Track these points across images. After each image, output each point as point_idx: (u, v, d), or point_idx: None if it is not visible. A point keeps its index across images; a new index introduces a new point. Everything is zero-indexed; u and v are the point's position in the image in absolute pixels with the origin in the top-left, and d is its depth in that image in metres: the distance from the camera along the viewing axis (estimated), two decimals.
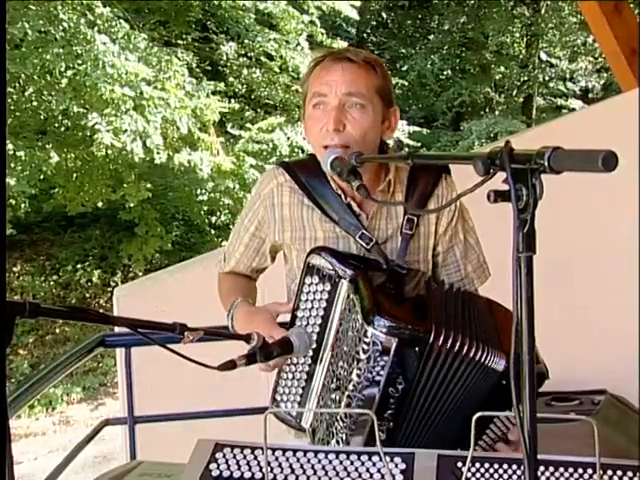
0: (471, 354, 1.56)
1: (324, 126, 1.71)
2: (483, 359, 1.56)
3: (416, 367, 1.56)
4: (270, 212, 1.85)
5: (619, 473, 1.37)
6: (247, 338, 1.55)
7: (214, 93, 10.41)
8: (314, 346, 1.70)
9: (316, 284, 1.70)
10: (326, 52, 1.81)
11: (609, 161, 0.86)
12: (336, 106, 1.69)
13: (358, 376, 1.58)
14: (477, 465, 1.40)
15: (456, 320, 1.61)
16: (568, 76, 16.65)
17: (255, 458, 1.43)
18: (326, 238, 1.81)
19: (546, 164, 0.94)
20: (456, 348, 1.55)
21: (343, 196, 1.79)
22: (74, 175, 10.32)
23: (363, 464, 1.42)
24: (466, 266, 1.91)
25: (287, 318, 1.78)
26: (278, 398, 1.79)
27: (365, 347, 1.56)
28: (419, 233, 1.82)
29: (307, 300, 1.72)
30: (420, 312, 1.64)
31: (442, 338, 1.54)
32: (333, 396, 1.65)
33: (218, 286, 2.05)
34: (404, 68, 15.47)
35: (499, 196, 0.97)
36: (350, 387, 1.60)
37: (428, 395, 1.59)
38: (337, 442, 1.63)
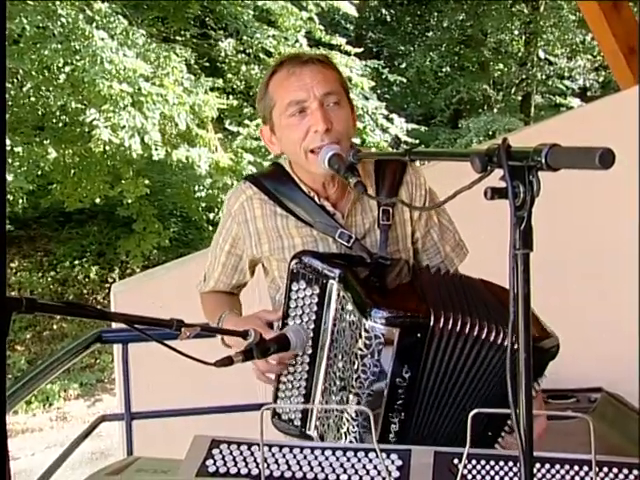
0: (475, 333, 1.56)
1: (310, 129, 1.68)
2: (490, 337, 1.56)
3: (420, 353, 1.56)
4: (244, 228, 1.83)
5: (615, 470, 1.37)
6: (244, 334, 1.55)
7: (212, 89, 10.40)
8: (310, 352, 1.70)
9: (304, 289, 1.69)
10: (279, 60, 1.78)
11: (606, 158, 0.86)
12: (318, 107, 1.67)
13: (364, 372, 1.57)
14: (473, 462, 1.41)
15: (453, 301, 1.62)
16: (567, 74, 16.65)
17: (252, 454, 1.44)
18: (304, 243, 1.80)
19: (543, 161, 0.94)
20: (458, 328, 1.56)
21: (317, 197, 1.79)
22: (72, 171, 10.31)
23: (359, 460, 1.42)
24: (445, 247, 1.93)
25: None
26: (279, 411, 1.79)
27: (367, 342, 1.55)
28: (395, 222, 1.83)
29: (297, 307, 1.70)
30: (414, 299, 1.65)
31: (442, 320, 1.55)
32: (339, 397, 1.64)
33: (202, 306, 2.04)
34: (403, 65, 15.47)
35: (496, 193, 0.97)
36: (356, 384, 1.59)
37: (436, 380, 1.59)
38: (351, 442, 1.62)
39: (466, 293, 1.68)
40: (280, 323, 1.74)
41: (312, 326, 1.69)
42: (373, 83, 11.48)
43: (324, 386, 1.70)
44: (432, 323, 1.55)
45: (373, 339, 1.55)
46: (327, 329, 1.68)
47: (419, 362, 1.56)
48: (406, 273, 1.78)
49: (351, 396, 1.61)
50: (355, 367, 1.59)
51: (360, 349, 1.57)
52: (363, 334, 1.56)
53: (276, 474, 1.39)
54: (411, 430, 1.61)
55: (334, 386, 1.67)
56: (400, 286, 1.75)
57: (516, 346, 0.98)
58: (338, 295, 1.65)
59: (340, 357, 1.65)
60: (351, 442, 1.62)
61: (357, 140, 10.22)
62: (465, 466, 1.39)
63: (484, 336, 1.56)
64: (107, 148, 9.13)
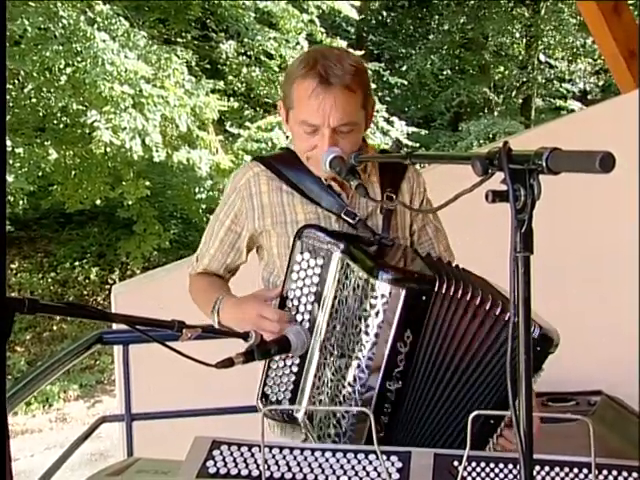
0: (477, 302, 1.56)
1: (316, 148, 1.72)
2: (493, 310, 1.56)
3: (423, 318, 1.56)
4: (248, 201, 1.84)
5: (614, 473, 1.37)
6: (245, 336, 1.56)
7: (213, 91, 10.41)
8: (307, 326, 1.69)
9: (307, 260, 1.70)
10: (309, 59, 1.72)
11: (606, 162, 0.87)
12: (329, 135, 1.69)
13: (366, 333, 1.57)
14: (473, 464, 1.41)
15: (456, 276, 1.62)
16: (567, 77, 16.67)
17: (252, 455, 1.44)
18: (307, 220, 1.81)
19: (544, 165, 0.94)
20: (461, 295, 1.56)
21: (323, 179, 1.81)
22: (72, 172, 10.31)
23: (359, 462, 1.42)
24: (439, 245, 1.96)
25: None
26: (268, 392, 1.76)
27: (372, 302, 1.55)
28: (396, 211, 1.86)
29: (298, 278, 1.71)
30: (419, 265, 1.68)
31: (446, 285, 1.56)
32: (338, 365, 1.63)
33: (191, 289, 2.01)
34: (403, 68, 15.48)
35: (497, 196, 0.97)
36: (357, 348, 1.59)
37: (436, 348, 1.58)
38: (340, 420, 1.61)
39: (468, 275, 1.69)
40: (278, 300, 1.74)
41: (312, 299, 1.69)
42: (374, 86, 11.47)
43: (319, 362, 1.69)
44: (437, 287, 1.55)
45: (379, 298, 1.55)
46: (329, 298, 1.68)
47: (421, 327, 1.56)
48: (409, 253, 1.80)
49: (351, 361, 1.60)
50: (357, 330, 1.58)
51: (365, 310, 1.57)
52: (369, 294, 1.56)
53: (276, 475, 1.40)
54: (407, 403, 1.60)
55: (331, 357, 1.66)
56: (403, 258, 1.78)
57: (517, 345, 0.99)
58: (342, 266, 1.65)
59: (340, 325, 1.64)
60: (347, 412, 1.61)
61: None
62: (465, 468, 1.39)
63: (487, 307, 1.56)
64: (108, 149, 9.14)
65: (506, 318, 1.55)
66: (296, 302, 1.72)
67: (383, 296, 1.54)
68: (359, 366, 1.59)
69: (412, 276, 1.59)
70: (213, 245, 1.93)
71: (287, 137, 10.62)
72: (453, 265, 1.79)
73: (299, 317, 1.71)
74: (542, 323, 1.57)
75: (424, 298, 1.55)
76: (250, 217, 1.85)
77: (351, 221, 1.78)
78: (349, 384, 1.61)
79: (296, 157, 1.83)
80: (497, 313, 1.56)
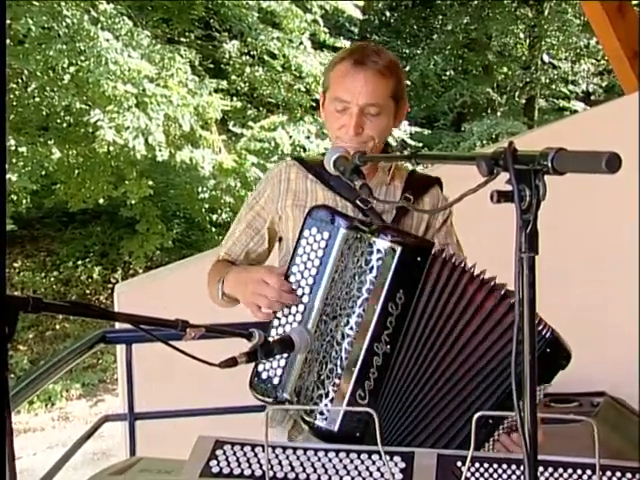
0: (475, 272, 1.57)
1: (343, 127, 1.82)
2: (490, 282, 1.57)
3: (417, 280, 1.57)
4: (276, 187, 1.92)
5: (618, 474, 1.37)
6: (248, 336, 1.56)
7: (216, 91, 10.41)
8: (308, 291, 1.69)
9: (314, 235, 1.71)
10: (351, 48, 1.95)
11: (613, 163, 0.86)
12: (356, 113, 1.79)
13: (359, 289, 1.59)
14: (477, 465, 1.41)
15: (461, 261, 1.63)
16: (570, 78, 16.65)
17: (255, 455, 1.44)
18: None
19: (549, 165, 0.94)
20: (458, 262, 1.57)
21: None
22: (76, 171, 10.32)
23: (363, 462, 1.42)
24: None
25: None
26: (260, 369, 1.73)
27: (368, 257, 1.58)
28: (412, 215, 1.88)
29: (304, 253, 1.72)
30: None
31: (445, 253, 1.59)
32: (330, 326, 1.64)
33: (208, 273, 2.02)
34: (407, 68, 15.45)
35: (502, 196, 0.97)
36: (349, 305, 1.60)
37: (428, 315, 1.58)
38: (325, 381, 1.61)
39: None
40: (285, 268, 1.74)
41: (314, 272, 1.69)
42: None
43: (315, 328, 1.68)
44: (434, 251, 1.58)
45: (375, 254, 1.58)
46: (328, 271, 1.68)
47: (415, 290, 1.57)
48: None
49: (341, 319, 1.61)
50: (350, 288, 1.60)
51: (360, 266, 1.59)
52: (366, 250, 1.59)
53: (279, 475, 1.40)
54: (394, 370, 1.59)
55: (325, 325, 1.65)
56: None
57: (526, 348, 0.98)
58: (346, 240, 1.66)
59: (337, 290, 1.65)
60: (330, 372, 1.61)
61: None
62: (468, 469, 1.39)
63: (484, 278, 1.57)
64: (111, 149, 9.15)
65: (511, 302, 1.54)
66: (299, 276, 1.71)
67: (379, 251, 1.58)
68: (348, 323, 1.60)
69: (410, 237, 1.65)
70: (238, 227, 1.99)
71: (290, 137, 10.62)
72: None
73: (299, 290, 1.71)
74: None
75: (419, 259, 1.57)
76: (275, 201, 1.91)
77: (363, 206, 1.82)
78: (337, 342, 1.62)
79: None
80: (502, 293, 1.56)
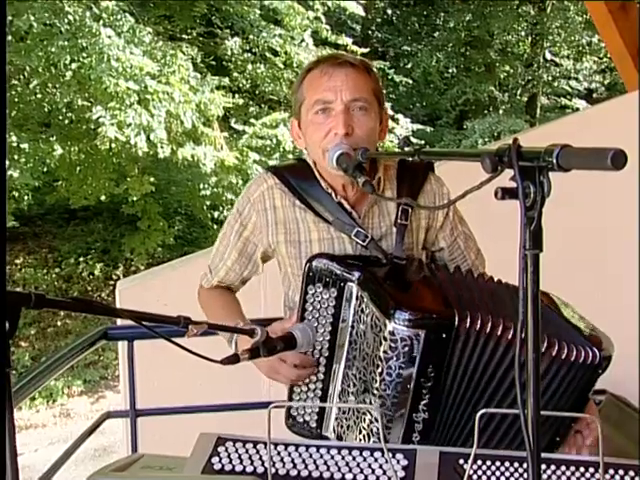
0: (499, 332, 1.55)
1: (330, 131, 1.71)
2: (515, 338, 1.54)
3: (445, 353, 1.54)
4: (262, 216, 1.83)
5: (621, 472, 1.37)
6: (251, 332, 1.55)
7: (218, 88, 10.41)
8: (327, 354, 1.70)
9: (320, 292, 1.69)
10: (319, 57, 1.83)
11: (618, 159, 0.86)
12: (343, 111, 1.69)
13: (389, 374, 1.56)
14: (479, 462, 1.40)
15: (474, 300, 1.61)
16: (573, 75, 16.63)
17: (257, 452, 1.44)
18: (321, 239, 1.80)
19: (554, 162, 0.93)
20: (481, 327, 1.54)
21: (334, 194, 1.79)
22: (77, 168, 10.33)
23: (365, 460, 1.42)
24: (470, 255, 1.94)
25: None
26: (294, 413, 1.78)
27: (392, 345, 1.54)
28: (411, 228, 1.83)
29: (313, 309, 1.70)
30: (436, 298, 1.65)
31: (467, 320, 1.53)
32: (361, 399, 1.64)
33: (202, 302, 2.00)
34: (409, 66, 15.45)
35: (507, 193, 0.97)
36: (381, 387, 1.58)
37: (460, 379, 1.57)
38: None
39: (484, 291, 1.68)
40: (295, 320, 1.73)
41: (329, 329, 1.69)
42: None
43: (341, 387, 1.70)
44: (457, 323, 1.53)
45: (399, 342, 1.53)
46: (345, 331, 1.68)
47: (443, 362, 1.55)
48: (423, 271, 1.78)
49: (375, 399, 1.59)
50: (379, 370, 1.57)
51: (385, 352, 1.55)
52: (388, 337, 1.54)
53: (281, 472, 1.39)
54: (435, 430, 1.60)
55: (353, 388, 1.66)
56: (419, 285, 1.75)
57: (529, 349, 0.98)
58: (357, 297, 1.64)
59: (361, 359, 1.64)
60: (375, 442, 1.60)
61: None
62: (471, 466, 1.38)
63: (509, 337, 1.55)
64: (113, 145, 9.15)
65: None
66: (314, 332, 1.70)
67: (403, 339, 1.53)
68: (384, 404, 1.58)
69: (430, 315, 1.56)
70: (230, 257, 1.91)
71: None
72: (468, 270, 1.78)
73: (316, 353, 1.72)
74: (595, 339, 1.60)
75: (444, 335, 1.53)
76: (264, 232, 1.84)
77: (361, 242, 1.77)
78: (375, 418, 1.60)
79: (309, 168, 1.82)
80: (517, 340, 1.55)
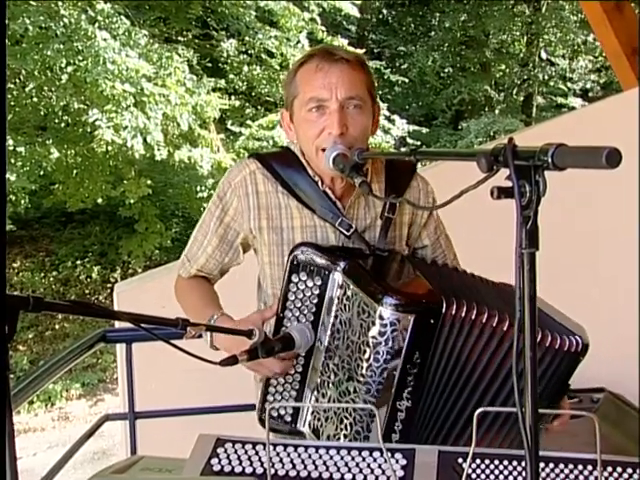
0: (484, 320, 1.55)
1: (324, 129, 1.69)
2: (500, 326, 1.55)
3: (432, 339, 1.54)
4: (244, 201, 1.78)
5: (619, 470, 1.37)
6: (249, 334, 1.55)
7: (214, 90, 10.42)
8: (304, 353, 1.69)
9: (304, 281, 1.67)
10: (311, 51, 1.78)
11: (613, 158, 0.86)
12: (338, 109, 1.66)
13: (376, 360, 1.55)
14: (477, 461, 1.41)
15: (459, 289, 1.61)
16: (568, 75, 16.66)
17: (256, 453, 1.44)
18: (303, 226, 1.78)
19: (550, 161, 0.94)
20: (468, 314, 1.54)
21: (320, 183, 1.77)
22: (74, 171, 10.32)
23: (364, 459, 1.42)
24: (450, 255, 1.97)
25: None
26: (270, 398, 1.75)
27: (382, 329, 1.53)
28: (395, 223, 1.83)
29: (295, 299, 1.68)
30: (421, 286, 1.64)
31: (454, 306, 1.53)
32: (344, 388, 1.63)
33: (178, 293, 1.95)
34: (404, 66, 15.47)
35: (502, 192, 0.97)
36: (367, 373, 1.57)
37: (445, 367, 1.57)
38: (355, 436, 1.60)
39: (465, 283, 1.69)
40: (275, 318, 1.71)
41: (311, 318, 1.68)
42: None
43: (320, 379, 1.69)
44: (444, 309, 1.53)
45: (388, 326, 1.52)
46: (328, 321, 1.67)
47: (429, 348, 1.55)
48: (406, 263, 1.79)
49: (360, 385, 1.58)
50: (366, 356, 1.56)
51: (374, 337, 1.54)
52: (377, 321, 1.53)
53: (281, 473, 1.39)
54: (417, 420, 1.59)
55: (334, 378, 1.65)
56: (404, 274, 1.76)
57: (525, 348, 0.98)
58: (342, 286, 1.64)
59: (344, 348, 1.63)
60: (354, 435, 1.60)
61: None
62: (469, 465, 1.39)
63: (494, 324, 1.55)
64: (109, 148, 9.15)
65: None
66: (294, 321, 1.69)
67: (392, 324, 1.52)
68: (369, 391, 1.58)
69: (419, 301, 1.56)
70: (210, 244, 1.86)
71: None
72: (462, 270, 1.80)
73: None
74: (575, 329, 1.62)
75: (432, 321, 1.54)
76: (246, 217, 1.80)
77: (345, 232, 1.76)
78: (355, 410, 1.60)
79: (295, 157, 1.80)
80: (504, 329, 1.55)
